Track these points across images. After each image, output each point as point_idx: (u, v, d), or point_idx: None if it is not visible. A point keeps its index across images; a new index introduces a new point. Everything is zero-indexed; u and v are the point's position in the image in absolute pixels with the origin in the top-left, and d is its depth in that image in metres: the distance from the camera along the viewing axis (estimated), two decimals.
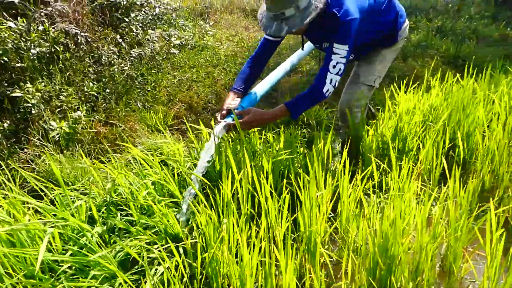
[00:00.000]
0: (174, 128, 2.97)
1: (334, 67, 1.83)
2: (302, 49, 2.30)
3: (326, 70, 1.85)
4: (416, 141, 2.17)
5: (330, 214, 1.75)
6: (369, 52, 2.22)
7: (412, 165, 1.82)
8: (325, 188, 1.63)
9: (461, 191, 1.54)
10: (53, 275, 1.31)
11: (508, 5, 7.87)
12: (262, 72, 2.19)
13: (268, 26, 1.79)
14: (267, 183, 1.53)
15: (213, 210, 1.45)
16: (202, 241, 1.39)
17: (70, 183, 1.96)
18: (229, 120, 1.95)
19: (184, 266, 1.38)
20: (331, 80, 1.85)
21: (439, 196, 1.58)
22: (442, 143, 2.06)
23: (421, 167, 1.89)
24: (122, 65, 3.22)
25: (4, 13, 2.63)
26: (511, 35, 5.85)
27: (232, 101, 1.98)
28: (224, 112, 1.93)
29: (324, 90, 1.86)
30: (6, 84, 2.42)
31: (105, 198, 1.72)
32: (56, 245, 1.41)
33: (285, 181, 1.62)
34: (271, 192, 1.51)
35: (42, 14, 2.81)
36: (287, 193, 1.48)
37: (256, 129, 2.10)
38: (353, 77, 2.24)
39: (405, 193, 1.53)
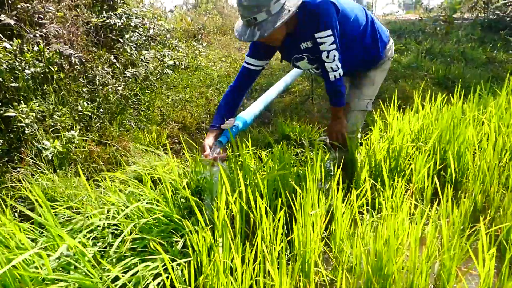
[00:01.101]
0: (168, 147, 2.97)
1: (327, 57, 1.85)
2: (281, 62, 2.31)
3: (322, 63, 1.89)
4: (408, 161, 2.20)
5: (323, 233, 1.75)
6: (356, 76, 2.22)
7: (405, 185, 1.84)
8: (318, 207, 1.64)
9: (455, 210, 1.56)
10: None
11: (494, 29, 8.11)
12: (242, 101, 2.15)
13: (242, 33, 1.79)
14: (262, 201, 1.53)
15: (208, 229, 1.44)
16: (196, 261, 1.38)
17: (64, 202, 1.94)
18: (223, 139, 1.97)
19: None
20: (331, 67, 1.88)
21: (430, 214, 1.60)
22: (433, 163, 2.09)
23: (413, 186, 1.91)
24: (116, 85, 3.24)
25: (0, 34, 2.65)
26: (497, 58, 6.00)
27: (212, 140, 1.94)
28: (206, 153, 1.86)
29: (332, 78, 1.91)
30: (0, 104, 2.42)
31: (99, 218, 1.71)
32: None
33: (279, 199, 1.62)
34: (266, 211, 1.51)
35: (37, 35, 2.84)
36: (282, 212, 1.49)
37: (250, 148, 2.11)
38: (345, 105, 2.25)
39: (398, 212, 1.54)
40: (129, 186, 2.09)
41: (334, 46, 1.83)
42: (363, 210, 1.82)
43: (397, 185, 1.78)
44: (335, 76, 1.92)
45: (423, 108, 2.61)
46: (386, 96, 3.79)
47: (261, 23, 1.71)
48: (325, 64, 1.88)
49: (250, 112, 2.26)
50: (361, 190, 1.78)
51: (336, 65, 1.88)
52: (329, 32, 1.80)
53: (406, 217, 1.54)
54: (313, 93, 4.13)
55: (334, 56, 1.85)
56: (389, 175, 2.05)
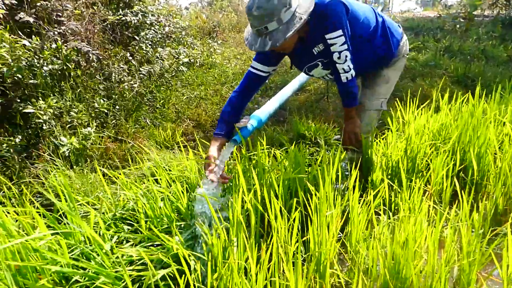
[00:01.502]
0: (182, 145, 2.98)
1: (339, 58, 1.80)
2: (291, 68, 2.27)
3: (334, 64, 1.84)
4: (426, 161, 2.16)
5: (339, 234, 1.73)
6: (370, 75, 2.18)
7: (423, 186, 1.80)
8: (334, 208, 1.62)
9: (474, 213, 1.52)
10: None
11: None
12: (246, 106, 2.04)
13: (253, 42, 1.73)
14: (277, 201, 1.52)
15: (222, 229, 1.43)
16: (211, 260, 1.38)
17: (80, 198, 1.96)
18: (237, 138, 1.97)
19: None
20: (343, 69, 1.83)
21: (449, 217, 1.56)
22: (452, 164, 2.04)
23: (432, 188, 1.88)
24: (132, 82, 3.26)
25: (19, 32, 2.69)
26: None
27: (216, 151, 1.83)
28: (211, 168, 1.73)
29: (344, 79, 1.86)
30: (19, 100, 2.46)
31: (114, 213, 1.72)
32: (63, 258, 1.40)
33: (294, 200, 1.61)
34: (280, 211, 1.50)
35: (56, 32, 2.87)
36: (297, 212, 1.47)
37: (265, 146, 2.10)
38: (359, 105, 2.22)
39: (416, 214, 1.51)
40: (144, 183, 2.10)
41: (345, 46, 1.79)
42: (379, 210, 1.79)
43: (415, 186, 1.75)
44: (347, 78, 1.87)
45: (442, 107, 2.55)
46: (403, 95, 3.73)
47: (272, 32, 1.66)
48: (337, 65, 1.84)
49: (265, 110, 2.24)
50: (378, 191, 1.75)
51: (348, 65, 1.83)
52: (340, 32, 1.75)
53: (424, 219, 1.50)
54: (328, 91, 4.09)
55: (346, 56, 1.81)
56: (406, 175, 2.02)
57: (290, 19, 1.65)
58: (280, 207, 1.52)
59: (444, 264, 1.32)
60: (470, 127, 2.22)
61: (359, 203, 1.64)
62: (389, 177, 2.11)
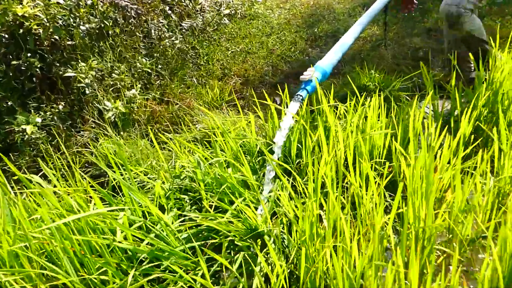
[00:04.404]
0: (231, 104, 2.74)
1: None
2: None
3: None
4: None
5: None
6: None
7: None
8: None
9: None
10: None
11: None
12: None
13: None
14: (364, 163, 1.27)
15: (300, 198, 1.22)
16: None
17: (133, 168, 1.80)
18: (303, 93, 1.71)
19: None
20: None
21: None
22: None
23: None
24: (173, 38, 3.02)
25: None
26: None
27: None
28: None
29: None
30: (58, 64, 2.28)
31: (172, 183, 1.54)
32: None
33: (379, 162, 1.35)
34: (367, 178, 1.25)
35: None
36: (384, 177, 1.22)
37: (331, 101, 1.82)
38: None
39: None
40: (198, 147, 1.91)
41: None
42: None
43: None
44: None
45: None
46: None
47: None
48: None
49: (329, 61, 1.98)
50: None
51: None
52: None
53: None
54: (386, 37, 3.67)
55: None
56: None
57: None
58: (367, 173, 1.27)
59: None
60: None
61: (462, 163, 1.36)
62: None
